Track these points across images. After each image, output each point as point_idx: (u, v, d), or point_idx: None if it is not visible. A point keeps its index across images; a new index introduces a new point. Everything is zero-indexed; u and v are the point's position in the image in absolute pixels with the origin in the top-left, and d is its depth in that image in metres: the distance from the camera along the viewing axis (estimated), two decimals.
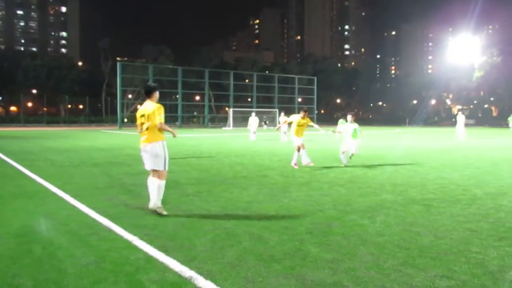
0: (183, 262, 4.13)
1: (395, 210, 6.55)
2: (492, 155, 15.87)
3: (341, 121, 24.46)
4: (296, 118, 12.07)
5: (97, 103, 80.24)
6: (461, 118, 26.91)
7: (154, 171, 6.26)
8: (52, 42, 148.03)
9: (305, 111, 12.03)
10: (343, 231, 5.35)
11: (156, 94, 6.29)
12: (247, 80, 75.10)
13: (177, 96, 62.98)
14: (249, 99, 70.40)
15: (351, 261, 4.25)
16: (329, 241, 4.93)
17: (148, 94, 6.27)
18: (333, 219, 5.98)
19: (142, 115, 6.22)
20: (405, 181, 9.45)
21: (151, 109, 6.09)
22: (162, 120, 6.11)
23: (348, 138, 12.22)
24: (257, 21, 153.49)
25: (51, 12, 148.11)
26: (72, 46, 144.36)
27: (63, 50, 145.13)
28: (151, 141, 6.14)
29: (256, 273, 3.91)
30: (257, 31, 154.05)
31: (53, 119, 69.23)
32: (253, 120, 26.21)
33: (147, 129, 6.14)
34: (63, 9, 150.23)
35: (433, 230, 5.38)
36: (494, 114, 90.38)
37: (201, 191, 8.07)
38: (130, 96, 72.72)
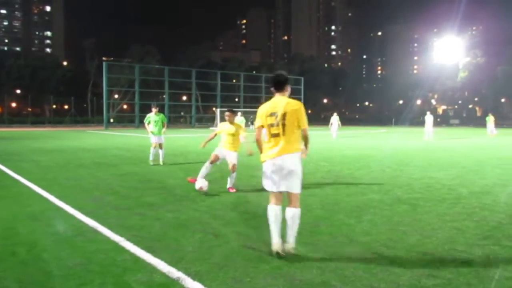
0: (171, 263, 4.11)
1: (381, 209, 6.60)
2: (477, 155, 16.10)
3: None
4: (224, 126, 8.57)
5: (82, 103, 79.40)
6: (429, 118, 27.36)
7: (279, 194, 4.53)
8: (36, 41, 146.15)
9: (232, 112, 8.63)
10: (331, 231, 5.38)
11: (289, 88, 4.67)
12: (234, 80, 75.05)
13: (164, 96, 62.68)
14: (236, 99, 70.36)
15: (339, 261, 4.27)
16: (317, 241, 4.95)
17: (279, 87, 4.61)
18: (321, 218, 6.00)
19: (271, 114, 4.48)
20: (391, 180, 9.53)
21: (291, 108, 4.42)
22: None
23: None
24: (244, 21, 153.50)
25: (35, 11, 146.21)
26: (57, 45, 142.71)
27: (48, 49, 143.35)
28: (287, 152, 4.37)
29: (244, 273, 3.90)
30: (244, 31, 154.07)
31: (37, 120, 68.30)
32: (239, 121, 24.80)
33: (276, 135, 4.43)
34: (48, 8, 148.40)
35: (420, 229, 5.44)
36: (479, 114, 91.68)
37: (189, 191, 8.04)
38: (116, 96, 72.11)
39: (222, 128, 8.51)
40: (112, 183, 9.02)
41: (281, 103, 4.48)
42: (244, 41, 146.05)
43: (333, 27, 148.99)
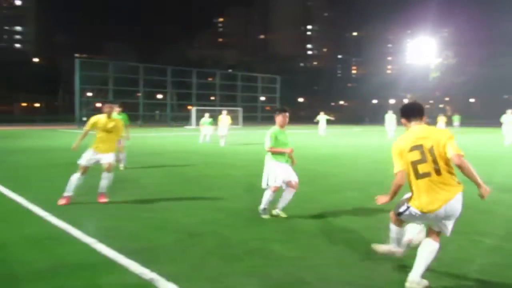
0: (144, 264, 4.04)
1: (356, 206, 6.67)
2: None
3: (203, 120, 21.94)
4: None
5: (54, 101, 77.58)
6: (390, 117, 27.86)
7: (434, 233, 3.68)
8: (5, 36, 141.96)
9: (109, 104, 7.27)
10: (307, 229, 5.39)
11: (425, 117, 3.80)
12: (210, 79, 74.72)
13: (139, 94, 61.87)
14: (213, 98, 70.07)
15: (314, 258, 4.29)
16: (293, 239, 4.96)
17: (416, 114, 3.74)
18: (297, 217, 6.02)
19: (417, 147, 3.52)
20: (365, 178, 9.64)
21: (443, 139, 3.45)
22: None
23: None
24: (221, 19, 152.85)
25: (4, 5, 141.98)
26: (28, 41, 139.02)
27: (18, 45, 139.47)
28: (456, 193, 3.46)
29: (219, 273, 3.87)
30: (221, 29, 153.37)
31: (6, 118, 66.28)
32: (224, 121, 21.25)
33: (426, 174, 3.47)
34: (18, 2, 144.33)
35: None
36: (449, 113, 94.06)
37: (164, 191, 7.95)
38: (89, 94, 70.79)
39: (98, 122, 6.96)
40: (85, 184, 8.81)
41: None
42: (221, 40, 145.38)
43: (309, 27, 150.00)
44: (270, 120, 75.08)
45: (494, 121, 23.28)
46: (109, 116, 7.03)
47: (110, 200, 6.93)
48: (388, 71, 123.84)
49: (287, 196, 5.99)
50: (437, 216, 3.48)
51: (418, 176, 3.47)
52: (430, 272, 3.70)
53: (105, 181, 6.89)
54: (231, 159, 13.80)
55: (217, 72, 69.42)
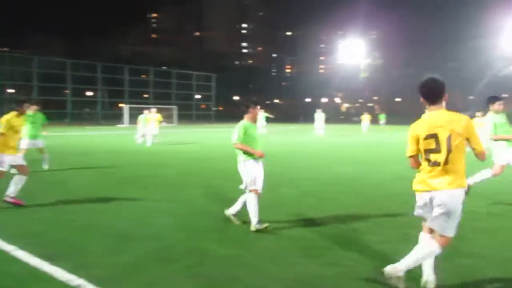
0: (72, 270, 3.82)
1: (290, 203, 6.79)
2: (374, 150, 17.27)
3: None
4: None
5: None
6: (319, 116, 28.90)
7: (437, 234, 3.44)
8: None
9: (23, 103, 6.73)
10: (242, 227, 5.40)
11: (446, 95, 3.49)
12: (144, 76, 72.81)
13: (66, 91, 58.93)
14: (146, 95, 68.38)
15: (250, 256, 4.30)
16: (228, 237, 4.95)
17: (433, 98, 3.45)
18: (239, 214, 6.00)
19: (432, 136, 3.32)
20: (300, 175, 9.85)
21: (461, 126, 3.25)
22: None
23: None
24: (155, 14, 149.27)
25: None
26: None
27: None
28: (454, 187, 3.28)
29: (153, 275, 3.77)
30: (154, 25, 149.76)
31: None
32: (152, 119, 19.65)
33: (437, 164, 3.30)
34: None
35: (326, 220, 5.66)
36: (377, 112, 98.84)
37: (94, 192, 7.61)
38: (11, 90, 66.21)
39: (13, 122, 6.43)
40: (3, 187, 8.23)
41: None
42: (154, 36, 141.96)
43: (244, 25, 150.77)
44: (206, 118, 74.52)
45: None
46: (22, 115, 6.66)
47: (32, 204, 6.52)
48: (321, 71, 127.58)
49: (243, 201, 5.56)
50: (425, 203, 3.41)
51: (430, 163, 3.34)
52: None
53: (17, 185, 6.42)
54: (165, 159, 13.53)
55: (150, 69, 67.85)
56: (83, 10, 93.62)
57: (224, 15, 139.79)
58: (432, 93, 3.41)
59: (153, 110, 20.05)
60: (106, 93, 65.79)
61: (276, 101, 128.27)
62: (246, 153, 5.49)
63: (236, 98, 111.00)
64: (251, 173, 5.49)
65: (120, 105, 62.01)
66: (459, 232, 5.12)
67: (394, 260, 4.16)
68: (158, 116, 19.86)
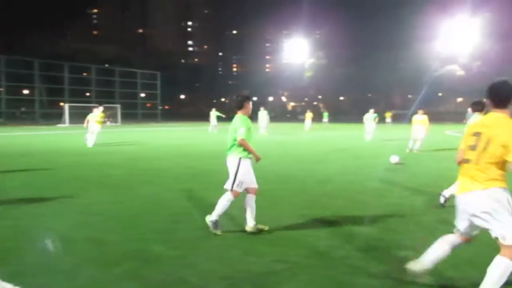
0: (7, 278, 3.62)
1: (238, 202, 6.79)
2: (319, 147, 17.69)
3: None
4: None
5: None
6: (263, 114, 29.41)
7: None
8: None
9: None
10: (189, 227, 5.36)
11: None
12: (85, 74, 70.19)
13: (0, 89, 55.67)
14: (88, 94, 65.97)
15: (196, 256, 4.28)
16: (174, 238, 4.89)
17: (497, 101, 3.23)
18: (178, 215, 5.95)
19: (477, 134, 3.23)
20: None
21: (506, 140, 3.02)
22: None
23: None
24: (95, 10, 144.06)
25: None
26: None
27: None
28: (478, 188, 3.15)
29: (94, 280, 3.65)
30: (95, 21, 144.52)
31: None
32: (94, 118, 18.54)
33: (468, 160, 3.27)
34: None
35: (273, 219, 5.74)
36: (321, 110, 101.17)
37: (30, 196, 7.24)
38: None
39: None
40: None
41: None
42: (95, 32, 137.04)
43: (190, 23, 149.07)
44: (151, 117, 72.76)
45: (360, 117, 25.70)
46: None
47: None
48: (267, 70, 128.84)
49: (252, 203, 5.25)
50: (460, 208, 3.33)
51: (463, 160, 3.32)
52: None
53: None
54: (108, 159, 13.13)
55: (92, 67, 65.53)
56: (18, 3, 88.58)
57: (168, 12, 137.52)
58: (500, 97, 3.23)
59: (101, 108, 18.81)
60: (44, 92, 62.74)
61: (223, 99, 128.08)
62: (245, 151, 5.16)
63: (182, 97, 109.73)
64: (245, 174, 5.19)
65: (61, 104, 59.43)
66: (402, 226, 5.41)
67: (338, 256, 4.31)
68: (100, 114, 18.59)
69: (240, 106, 5.24)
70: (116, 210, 6.28)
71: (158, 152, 15.16)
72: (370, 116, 22.17)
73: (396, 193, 7.56)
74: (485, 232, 3.17)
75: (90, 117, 18.19)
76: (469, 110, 23.86)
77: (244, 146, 5.07)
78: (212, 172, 10.13)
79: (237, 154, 5.12)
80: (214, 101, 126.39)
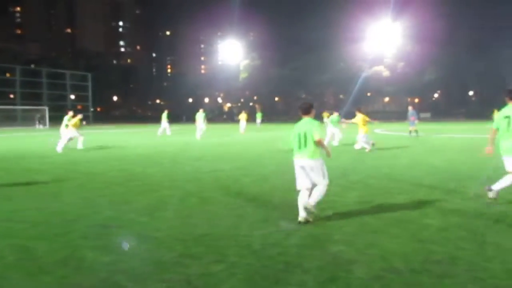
0: None
1: (173, 205, 6.72)
2: (257, 148, 17.90)
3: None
4: None
5: None
6: (200, 115, 29.49)
7: None
8: None
9: None
10: (121, 231, 5.21)
11: None
12: (8, 75, 65.89)
13: None
14: (12, 96, 62.01)
15: (130, 260, 4.17)
16: (107, 243, 4.74)
17: None
18: (111, 219, 5.76)
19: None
20: (182, 176, 9.79)
21: None
22: None
23: None
24: (18, 8, 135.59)
25: None
26: None
27: None
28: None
29: None
30: (19, 20, 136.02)
31: None
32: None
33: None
34: None
35: (208, 220, 5.73)
36: (258, 111, 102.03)
37: None
38: None
39: None
40: None
41: None
42: (19, 32, 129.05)
43: (121, 23, 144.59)
44: (83, 120, 69.35)
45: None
46: None
47: None
48: (202, 71, 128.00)
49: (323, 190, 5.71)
50: None
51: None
52: None
53: None
54: (35, 165, 12.41)
55: (16, 68, 61.68)
56: None
57: (97, 12, 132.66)
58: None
59: (70, 113, 17.60)
60: None
61: (158, 101, 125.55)
62: (319, 150, 5.67)
63: (115, 98, 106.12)
64: (324, 171, 5.68)
65: None
66: (335, 221, 5.61)
67: (274, 253, 4.39)
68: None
69: (308, 112, 5.84)
70: (43, 216, 5.96)
71: (89, 155, 14.57)
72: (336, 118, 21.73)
73: (330, 191, 7.83)
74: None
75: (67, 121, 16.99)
76: (410, 108, 25.00)
77: (321, 143, 5.63)
78: (146, 175, 9.93)
79: (318, 155, 5.63)
80: (149, 102, 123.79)
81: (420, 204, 6.42)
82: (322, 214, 5.77)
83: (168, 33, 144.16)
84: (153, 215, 5.98)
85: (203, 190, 7.88)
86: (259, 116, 46.80)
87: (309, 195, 5.56)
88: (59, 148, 16.06)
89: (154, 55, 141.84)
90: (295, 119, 6.10)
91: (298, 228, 5.27)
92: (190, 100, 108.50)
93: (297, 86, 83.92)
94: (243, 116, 32.83)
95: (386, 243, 4.62)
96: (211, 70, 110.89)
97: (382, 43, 71.21)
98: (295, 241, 4.76)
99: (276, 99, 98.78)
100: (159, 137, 26.79)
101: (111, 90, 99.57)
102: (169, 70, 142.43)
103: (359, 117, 15.24)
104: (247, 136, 27.42)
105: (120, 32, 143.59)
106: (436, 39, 64.16)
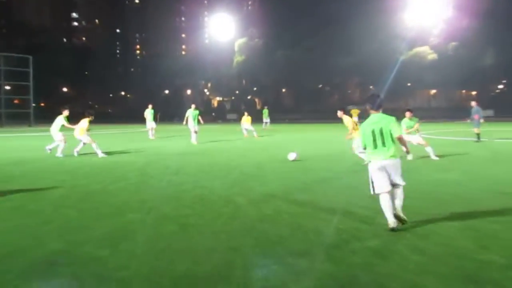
0: None
1: (143, 233, 6.74)
2: (255, 157, 17.93)
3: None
4: None
5: None
6: (148, 112, 29.94)
7: None
8: None
9: None
10: (73, 269, 5.24)
11: None
12: None
13: None
14: None
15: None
16: (53, 285, 4.76)
17: None
18: (59, 253, 5.79)
19: None
20: (156, 194, 9.81)
21: None
22: None
23: None
24: None
25: None
26: None
27: None
28: None
29: None
30: None
31: None
32: None
33: None
34: None
35: (191, 254, 5.75)
36: (258, 107, 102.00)
37: None
38: None
39: None
40: None
41: None
42: None
43: None
44: (21, 119, 69.45)
45: (311, 116, 25.99)
46: None
47: None
48: (183, 52, 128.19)
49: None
50: None
51: None
52: None
53: None
54: None
55: None
56: None
57: None
58: None
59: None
60: None
61: (122, 93, 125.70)
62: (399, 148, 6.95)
63: (65, 90, 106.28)
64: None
65: None
66: (356, 257, 5.63)
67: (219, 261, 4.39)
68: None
69: (380, 106, 6.98)
70: None
71: (28, 168, 14.60)
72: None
73: (353, 216, 7.87)
74: None
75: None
76: (473, 103, 24.94)
77: (402, 140, 6.98)
78: (107, 194, 9.95)
79: (398, 153, 6.93)
80: (111, 95, 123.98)
81: (475, 233, 6.46)
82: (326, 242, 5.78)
83: (137, 1, 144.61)
84: (116, 248, 6.01)
85: (183, 214, 7.90)
86: (265, 114, 45.86)
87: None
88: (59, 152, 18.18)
89: (118, 31, 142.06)
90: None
91: (311, 265, 5.29)
92: (166, 91, 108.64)
93: (311, 73, 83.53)
94: (246, 119, 32.11)
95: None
96: (195, 51, 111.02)
97: (428, 15, 71.21)
98: (310, 284, 4.78)
99: (283, 90, 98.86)
100: (151, 140, 27.25)
101: (60, 79, 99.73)
102: (138, 52, 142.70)
103: (348, 120, 14.81)
104: (246, 141, 27.47)
105: (72, 1, 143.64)
106: (500, 13, 64.07)
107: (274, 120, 49.25)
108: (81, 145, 18.61)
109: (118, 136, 34.27)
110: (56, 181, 11.81)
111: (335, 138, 26.98)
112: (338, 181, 11.50)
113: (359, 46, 75.06)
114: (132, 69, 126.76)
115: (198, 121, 26.42)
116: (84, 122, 18.61)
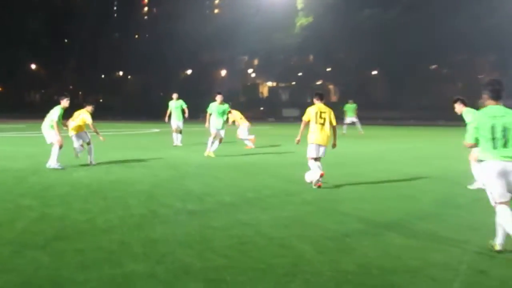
0: None
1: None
2: (332, 174, 17.84)
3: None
4: None
5: None
6: (174, 105, 29.98)
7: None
8: None
9: None
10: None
11: None
12: None
13: None
14: None
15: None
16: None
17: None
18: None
19: None
20: (170, 233, 9.83)
21: None
22: None
23: None
24: None
25: None
26: None
27: None
28: None
29: None
30: None
31: None
32: None
33: None
34: None
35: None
36: (334, 98, 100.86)
37: None
38: None
39: None
40: None
41: None
42: None
43: None
44: None
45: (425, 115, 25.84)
46: None
47: None
48: (216, 10, 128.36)
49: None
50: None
51: None
52: None
53: None
54: None
55: None
56: None
57: None
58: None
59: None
60: None
61: (121, 73, 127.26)
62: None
63: (33, 67, 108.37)
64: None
65: None
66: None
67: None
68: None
69: (501, 96, 8.22)
70: None
71: None
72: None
73: None
74: None
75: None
76: None
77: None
78: (91, 228, 9.99)
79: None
80: (102, 76, 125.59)
81: None
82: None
83: None
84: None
85: (213, 266, 7.86)
86: (350, 111, 44.52)
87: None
88: (54, 162, 18.52)
89: None
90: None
91: None
92: (189, 71, 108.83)
93: (416, 46, 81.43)
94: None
95: None
96: (233, 10, 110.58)
97: None
98: None
99: (373, 73, 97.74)
100: (175, 148, 27.70)
101: (26, 52, 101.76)
102: (145, 10, 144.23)
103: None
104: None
105: None
106: None
107: (360, 120, 48.60)
108: (84, 147, 19.55)
109: (115, 139, 34.61)
110: (19, 208, 11.95)
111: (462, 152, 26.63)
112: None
113: (498, 4, 73.09)
114: (136, 36, 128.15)
115: (183, 115, 28.28)
116: (86, 115, 19.50)
